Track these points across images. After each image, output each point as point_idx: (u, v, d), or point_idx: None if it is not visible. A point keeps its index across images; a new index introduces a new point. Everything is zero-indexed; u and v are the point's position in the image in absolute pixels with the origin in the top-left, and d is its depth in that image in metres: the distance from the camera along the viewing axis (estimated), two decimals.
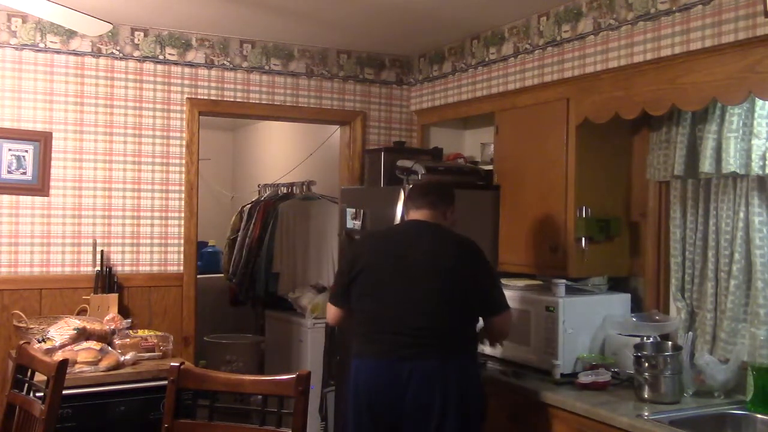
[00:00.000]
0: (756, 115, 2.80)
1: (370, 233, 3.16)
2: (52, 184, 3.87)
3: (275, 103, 4.38)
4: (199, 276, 4.31)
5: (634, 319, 3.23)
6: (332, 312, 3.00)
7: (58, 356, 3.07)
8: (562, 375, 3.12)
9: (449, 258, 2.85)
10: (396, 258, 2.85)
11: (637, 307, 3.39)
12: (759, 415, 2.67)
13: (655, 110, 3.01)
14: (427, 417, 2.72)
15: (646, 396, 2.79)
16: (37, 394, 2.63)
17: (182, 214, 4.15)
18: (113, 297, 3.89)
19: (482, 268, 2.91)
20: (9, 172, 3.78)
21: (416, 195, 2.99)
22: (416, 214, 2.96)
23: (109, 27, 3.13)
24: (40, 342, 3.34)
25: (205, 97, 4.21)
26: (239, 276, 5.58)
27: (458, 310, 2.81)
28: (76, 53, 3.93)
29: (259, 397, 2.36)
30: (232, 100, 4.27)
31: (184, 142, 4.16)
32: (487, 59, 3.98)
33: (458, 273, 2.83)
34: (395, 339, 2.77)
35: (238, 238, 5.72)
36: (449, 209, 2.99)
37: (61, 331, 3.41)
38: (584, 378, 2.99)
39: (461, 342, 2.83)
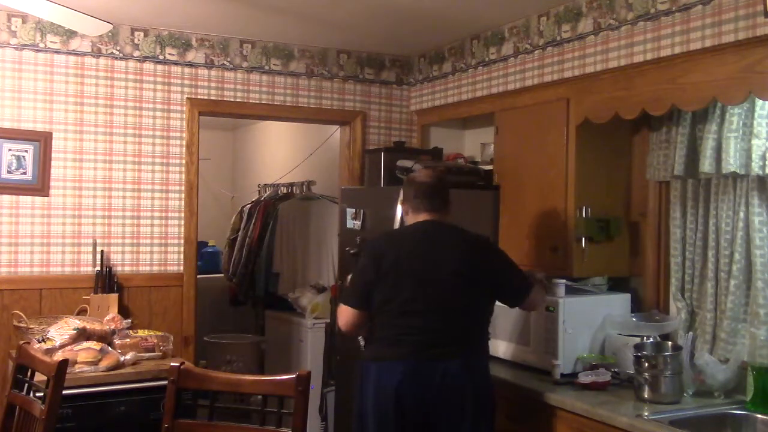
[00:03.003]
0: (756, 115, 2.80)
1: (387, 235, 3.12)
2: (52, 184, 3.87)
3: (275, 103, 4.38)
4: (199, 276, 4.31)
5: (634, 319, 3.23)
6: (350, 315, 2.88)
7: (58, 356, 3.07)
8: (562, 375, 3.11)
9: (470, 258, 2.88)
10: (420, 260, 2.84)
11: (637, 307, 3.39)
12: (759, 415, 2.67)
13: (655, 110, 3.01)
14: (461, 416, 2.76)
15: (646, 396, 2.79)
16: (37, 394, 2.63)
17: (182, 214, 4.15)
18: (113, 297, 3.89)
19: (501, 262, 2.97)
20: (9, 172, 3.78)
21: (427, 195, 2.94)
22: (429, 215, 2.93)
23: (109, 27, 3.13)
24: (40, 342, 3.33)
25: (205, 97, 4.21)
26: (239, 276, 5.58)
27: (480, 309, 2.90)
28: (76, 53, 3.93)
29: (259, 397, 2.36)
30: (232, 100, 4.27)
31: (184, 142, 4.16)
32: (487, 59, 3.98)
33: (479, 272, 2.86)
34: (425, 340, 2.78)
35: (238, 238, 5.73)
36: (450, 202, 3.01)
37: (61, 331, 3.41)
38: (584, 378, 2.99)
39: (481, 340, 2.91)
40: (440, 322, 2.79)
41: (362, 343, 3.10)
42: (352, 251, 3.18)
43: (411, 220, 2.99)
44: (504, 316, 3.49)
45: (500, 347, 3.51)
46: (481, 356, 2.89)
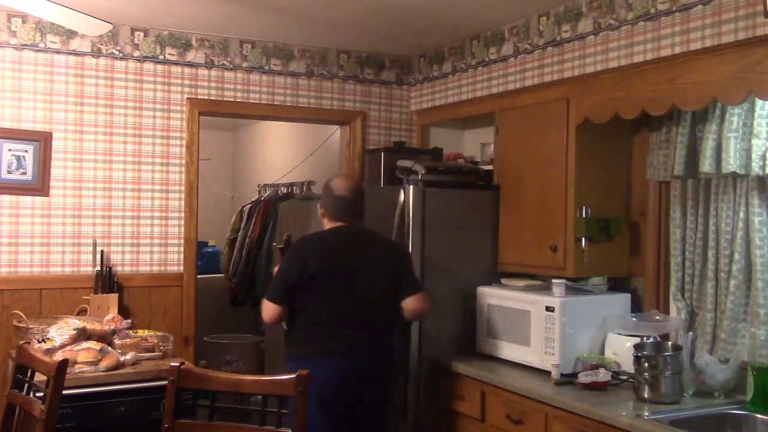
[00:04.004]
0: (756, 115, 2.80)
1: (312, 237, 3.33)
2: (52, 184, 3.87)
3: (275, 103, 4.38)
4: (199, 276, 4.31)
5: (634, 319, 3.23)
6: (272, 309, 3.10)
7: (58, 356, 3.07)
8: (562, 375, 3.12)
9: (385, 258, 3.21)
10: (346, 261, 3.12)
11: (637, 307, 3.39)
12: (759, 415, 2.67)
13: (655, 110, 3.01)
14: (385, 405, 3.17)
15: (646, 396, 2.79)
16: (37, 394, 2.62)
17: (182, 214, 4.15)
18: (113, 297, 3.89)
19: (407, 261, 3.30)
20: (9, 172, 3.78)
21: (346, 208, 3.21)
22: (350, 220, 3.21)
23: (109, 27, 3.13)
24: (40, 342, 3.33)
25: (205, 97, 4.21)
26: (239, 276, 5.57)
27: (396, 305, 3.17)
28: (76, 53, 3.93)
29: (259, 397, 2.35)
30: (232, 100, 4.27)
31: (184, 142, 4.16)
32: (487, 59, 3.98)
33: (393, 270, 3.18)
34: (357, 335, 3.06)
35: (238, 238, 5.72)
36: (365, 210, 3.32)
37: (61, 331, 3.41)
38: (584, 378, 2.99)
39: (395, 333, 3.26)
40: (372, 318, 3.10)
41: (285, 326, 3.21)
42: (279, 246, 3.40)
43: (328, 224, 3.25)
44: (504, 317, 3.49)
45: (500, 347, 3.51)
46: (394, 351, 3.25)
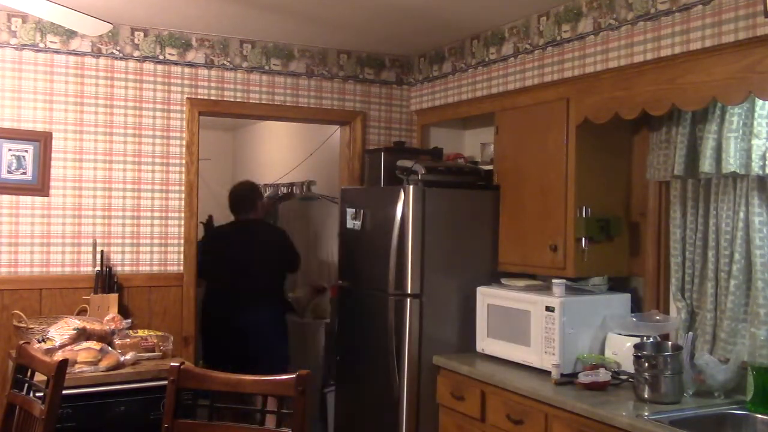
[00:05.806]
0: (756, 115, 2.80)
1: (215, 229, 4.92)
2: (52, 184, 3.87)
3: (275, 103, 4.38)
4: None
5: (634, 319, 3.23)
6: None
7: (58, 356, 3.07)
8: (562, 375, 3.12)
9: (269, 242, 4.63)
10: (239, 246, 4.54)
11: (637, 307, 3.39)
12: (759, 415, 2.67)
13: (655, 110, 3.01)
14: (265, 341, 4.47)
15: (646, 396, 2.79)
16: (37, 394, 2.63)
17: (182, 214, 4.15)
18: (113, 297, 3.89)
19: (288, 245, 4.72)
20: (9, 172, 3.78)
21: (235, 203, 4.72)
22: (242, 215, 4.70)
23: (109, 27, 3.13)
24: (40, 342, 3.33)
25: (205, 97, 4.21)
26: None
27: (278, 276, 4.68)
28: (76, 53, 3.93)
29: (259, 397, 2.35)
30: (232, 100, 4.27)
31: (184, 142, 4.16)
32: (487, 59, 3.98)
33: (276, 251, 4.62)
34: (247, 297, 4.42)
35: None
36: (259, 203, 4.79)
37: (61, 331, 3.40)
38: (584, 378, 2.99)
39: (280, 296, 4.71)
40: (258, 285, 4.50)
41: None
42: (202, 222, 4.59)
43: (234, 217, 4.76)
44: (504, 317, 3.49)
45: (500, 347, 3.51)
46: (280, 306, 4.67)
